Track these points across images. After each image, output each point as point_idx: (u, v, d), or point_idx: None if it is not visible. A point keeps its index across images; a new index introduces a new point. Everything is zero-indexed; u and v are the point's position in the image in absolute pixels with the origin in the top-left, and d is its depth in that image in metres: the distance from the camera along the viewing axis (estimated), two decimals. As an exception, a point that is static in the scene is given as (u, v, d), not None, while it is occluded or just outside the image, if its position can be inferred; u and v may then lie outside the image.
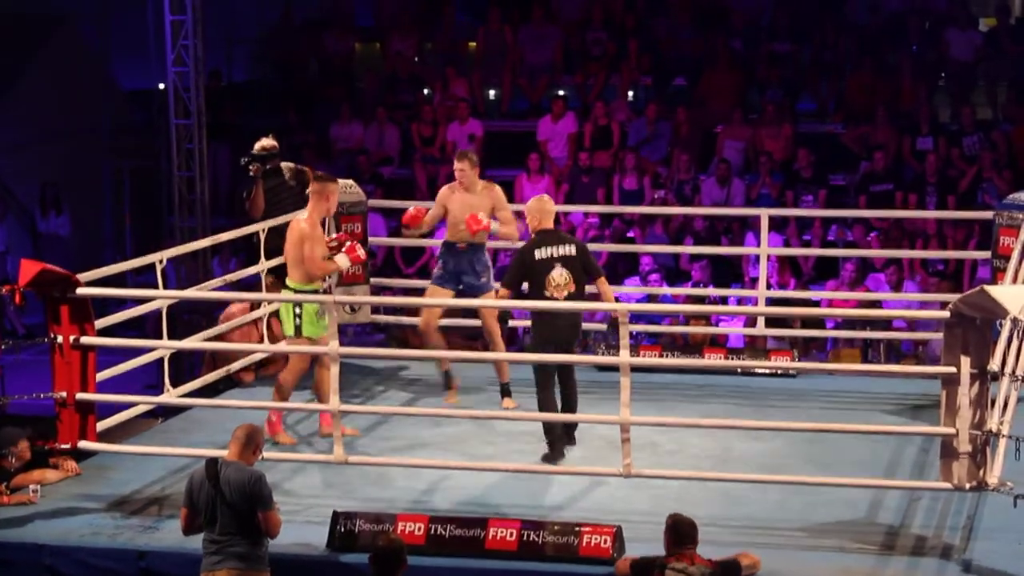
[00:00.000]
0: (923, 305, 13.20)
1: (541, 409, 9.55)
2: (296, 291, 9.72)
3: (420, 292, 12.86)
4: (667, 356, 11.65)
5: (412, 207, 11.04)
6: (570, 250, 9.63)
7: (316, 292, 9.76)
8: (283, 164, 11.77)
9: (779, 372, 11.41)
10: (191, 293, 9.60)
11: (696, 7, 18.48)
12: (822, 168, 16.49)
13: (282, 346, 11.16)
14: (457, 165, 10.88)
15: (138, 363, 9.93)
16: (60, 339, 8.62)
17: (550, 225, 9.77)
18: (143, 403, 9.55)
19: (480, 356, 11.63)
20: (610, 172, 16.74)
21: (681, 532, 7.44)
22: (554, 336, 9.53)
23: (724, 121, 17.08)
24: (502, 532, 7.96)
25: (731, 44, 17.86)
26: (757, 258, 12.33)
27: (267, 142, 11.62)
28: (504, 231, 10.81)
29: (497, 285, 10.20)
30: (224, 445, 9.58)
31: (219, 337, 10.98)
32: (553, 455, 9.46)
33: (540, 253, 9.58)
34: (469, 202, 10.70)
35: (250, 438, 7.71)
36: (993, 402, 8.01)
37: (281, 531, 7.62)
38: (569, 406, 9.70)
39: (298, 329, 9.66)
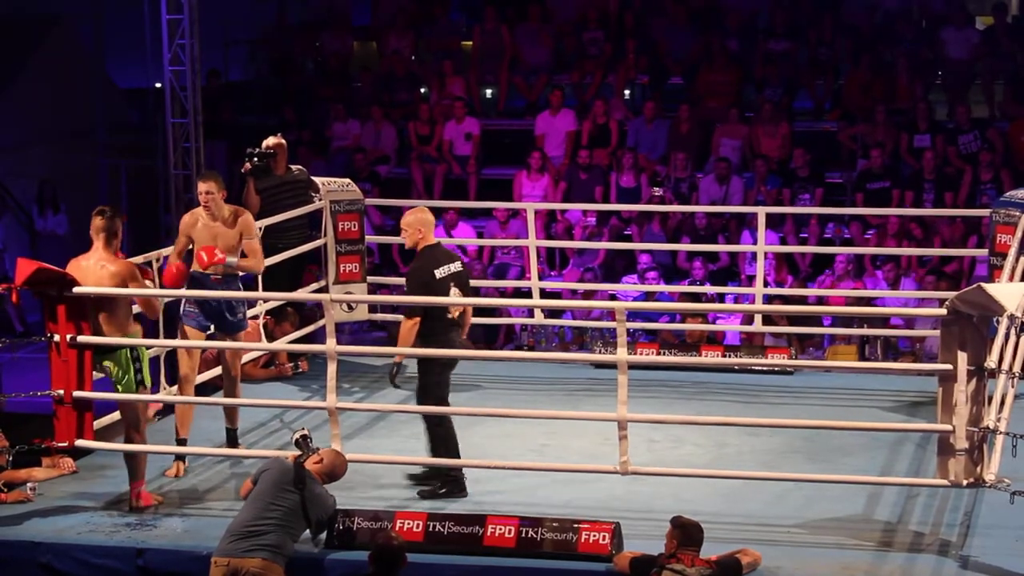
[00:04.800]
0: (920, 302, 13.21)
1: (438, 447, 8.80)
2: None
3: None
4: (664, 353, 11.66)
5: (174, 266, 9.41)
6: (458, 266, 8.98)
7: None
8: (293, 167, 11.78)
9: (776, 369, 11.40)
10: (188, 292, 9.58)
11: (692, 6, 18.48)
12: (819, 166, 16.51)
13: (282, 344, 11.19)
14: (203, 187, 9.59)
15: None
16: (57, 337, 8.61)
17: (433, 239, 9.03)
18: (140, 401, 9.52)
19: (479, 354, 11.64)
20: (608, 170, 16.75)
21: (690, 534, 7.47)
22: (451, 360, 8.93)
23: (721, 120, 17.09)
24: (500, 529, 7.96)
25: (727, 43, 17.86)
26: (754, 256, 12.33)
27: (269, 140, 11.60)
28: (247, 264, 9.69)
29: (401, 329, 8.91)
30: (221, 443, 9.68)
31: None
32: (442, 493, 8.79)
33: (439, 272, 8.85)
34: (214, 231, 9.55)
35: (334, 471, 8.15)
36: (990, 399, 8.01)
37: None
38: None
39: (140, 383, 8.79)
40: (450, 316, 8.91)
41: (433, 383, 8.92)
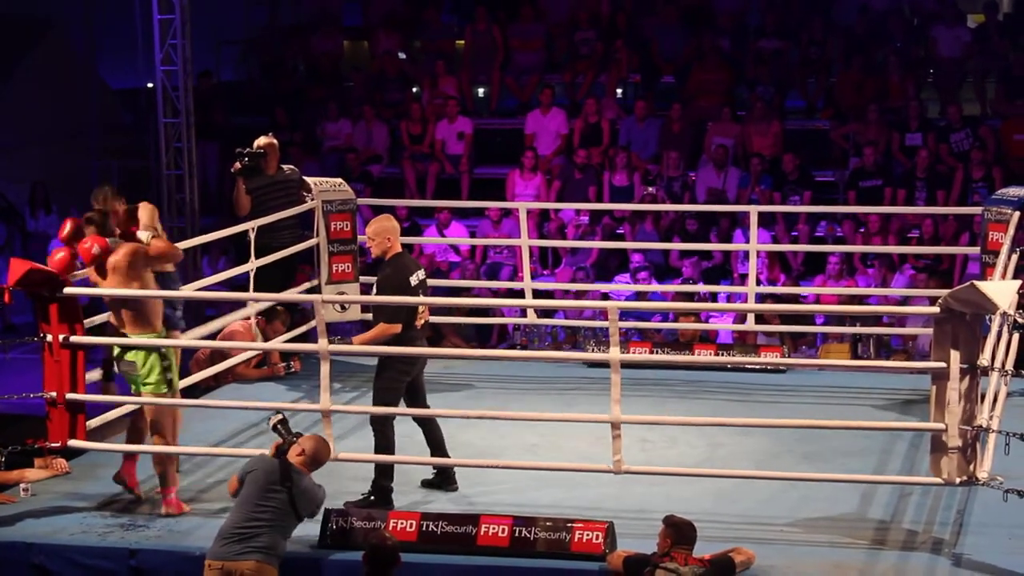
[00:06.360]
0: (912, 300, 13.21)
1: (380, 449, 8.75)
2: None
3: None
4: (657, 352, 11.66)
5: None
6: (424, 274, 8.94)
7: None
8: (285, 166, 11.77)
9: (769, 368, 11.41)
10: (179, 292, 9.57)
11: (683, 6, 18.48)
12: (811, 165, 16.50)
13: (276, 344, 11.18)
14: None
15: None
16: (50, 338, 8.60)
17: (400, 247, 8.88)
18: (132, 402, 9.51)
19: (472, 354, 11.64)
20: (600, 169, 16.74)
21: (683, 533, 7.49)
22: (413, 366, 8.82)
23: (713, 118, 17.09)
24: (494, 528, 7.96)
25: (719, 42, 17.86)
26: (747, 254, 12.32)
27: (260, 140, 11.60)
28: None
29: (375, 330, 8.78)
30: (214, 443, 9.68)
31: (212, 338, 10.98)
32: (375, 499, 8.65)
33: (413, 279, 8.76)
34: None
35: (318, 457, 8.04)
36: (983, 397, 8.02)
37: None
38: (435, 440, 8.98)
39: (170, 382, 8.73)
40: (418, 326, 8.82)
41: (383, 388, 8.80)
